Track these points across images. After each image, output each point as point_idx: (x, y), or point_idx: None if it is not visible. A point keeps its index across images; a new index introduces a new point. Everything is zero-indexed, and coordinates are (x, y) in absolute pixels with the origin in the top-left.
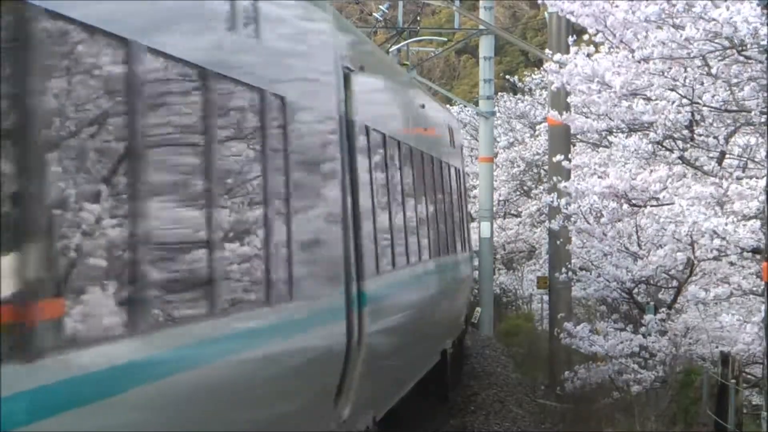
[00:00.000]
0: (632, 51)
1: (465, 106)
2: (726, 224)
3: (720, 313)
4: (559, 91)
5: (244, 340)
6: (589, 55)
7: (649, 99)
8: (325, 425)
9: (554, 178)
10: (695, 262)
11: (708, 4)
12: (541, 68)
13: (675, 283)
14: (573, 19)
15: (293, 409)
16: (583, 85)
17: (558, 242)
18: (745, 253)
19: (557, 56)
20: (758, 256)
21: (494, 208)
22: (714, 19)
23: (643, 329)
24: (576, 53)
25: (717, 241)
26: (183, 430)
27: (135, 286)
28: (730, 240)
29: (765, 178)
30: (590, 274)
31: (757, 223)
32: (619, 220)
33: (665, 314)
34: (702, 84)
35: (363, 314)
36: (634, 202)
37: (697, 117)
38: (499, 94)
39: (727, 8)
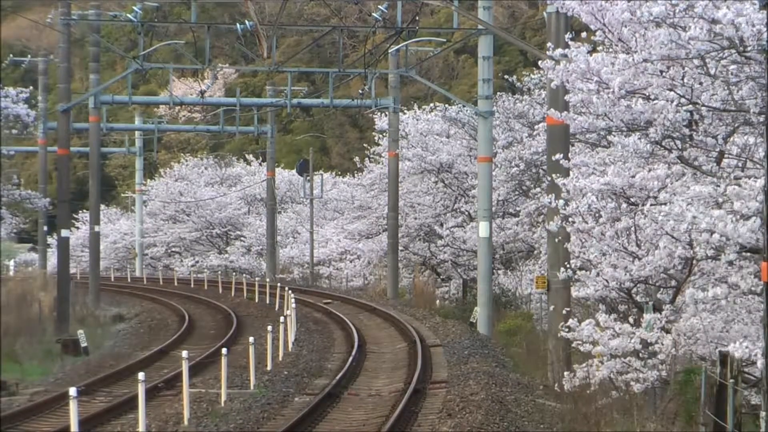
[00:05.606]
0: (629, 50)
1: (464, 106)
2: (726, 224)
3: (717, 311)
4: (558, 89)
5: None
6: (588, 52)
7: (647, 98)
8: None
9: (552, 177)
10: (694, 261)
11: (708, 4)
12: (539, 64)
13: (674, 282)
14: (572, 13)
15: None
16: (581, 84)
17: (557, 240)
18: (743, 253)
19: (557, 51)
20: (756, 256)
21: (493, 208)
22: (718, 21)
23: (644, 324)
24: (576, 48)
25: (716, 236)
26: None
27: None
28: (730, 236)
29: (763, 178)
30: (589, 273)
31: (757, 222)
32: (618, 220)
33: (670, 311)
34: (701, 84)
35: None
36: (632, 200)
37: (696, 117)
38: (498, 93)
39: (728, 8)
